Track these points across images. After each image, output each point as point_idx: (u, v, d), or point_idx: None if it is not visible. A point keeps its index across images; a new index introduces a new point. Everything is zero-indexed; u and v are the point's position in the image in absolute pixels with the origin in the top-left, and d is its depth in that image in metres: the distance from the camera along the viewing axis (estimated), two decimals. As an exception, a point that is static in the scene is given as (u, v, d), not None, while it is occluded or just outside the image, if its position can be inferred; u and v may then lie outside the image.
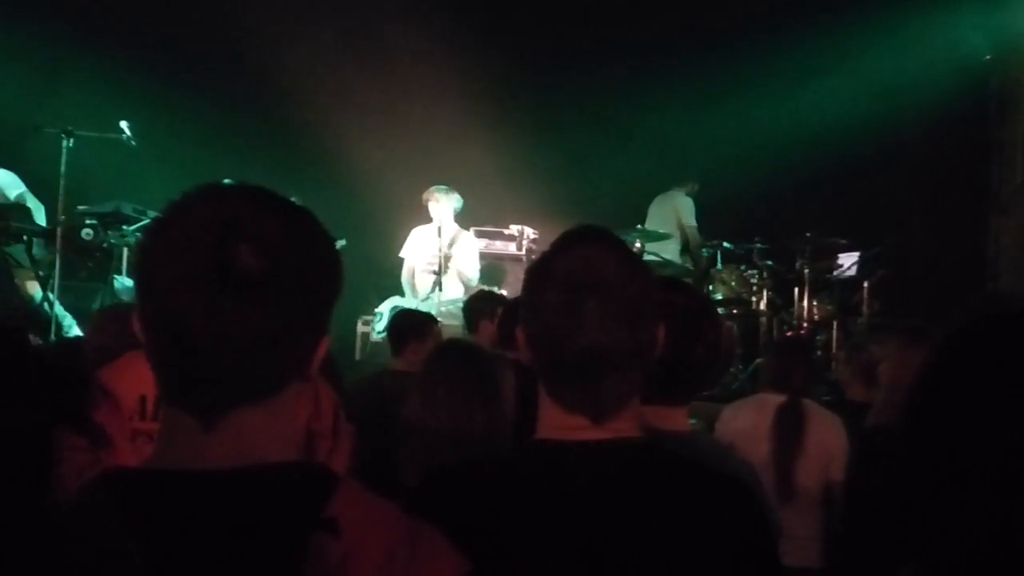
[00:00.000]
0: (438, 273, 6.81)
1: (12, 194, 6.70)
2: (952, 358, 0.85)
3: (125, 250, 6.59)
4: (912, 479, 0.85)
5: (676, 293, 1.83)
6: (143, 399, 2.14)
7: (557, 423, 1.37)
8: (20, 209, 6.56)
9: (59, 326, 6.40)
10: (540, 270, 1.38)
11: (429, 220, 7.08)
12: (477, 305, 4.87)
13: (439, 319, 6.58)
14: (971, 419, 0.78)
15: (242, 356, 0.99)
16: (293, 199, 1.06)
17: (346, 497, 1.02)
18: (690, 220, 7.95)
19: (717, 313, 2.10)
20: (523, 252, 7.90)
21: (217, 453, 1.01)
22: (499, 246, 7.93)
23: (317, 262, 1.05)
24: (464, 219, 7.37)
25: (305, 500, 1.01)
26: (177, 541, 0.97)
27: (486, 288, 6.22)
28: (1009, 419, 0.77)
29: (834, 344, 7.02)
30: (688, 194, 8.09)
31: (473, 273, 7.15)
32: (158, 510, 0.99)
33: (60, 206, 6.41)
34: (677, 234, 7.98)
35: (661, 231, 7.73)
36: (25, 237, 6.49)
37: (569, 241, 1.40)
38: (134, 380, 2.17)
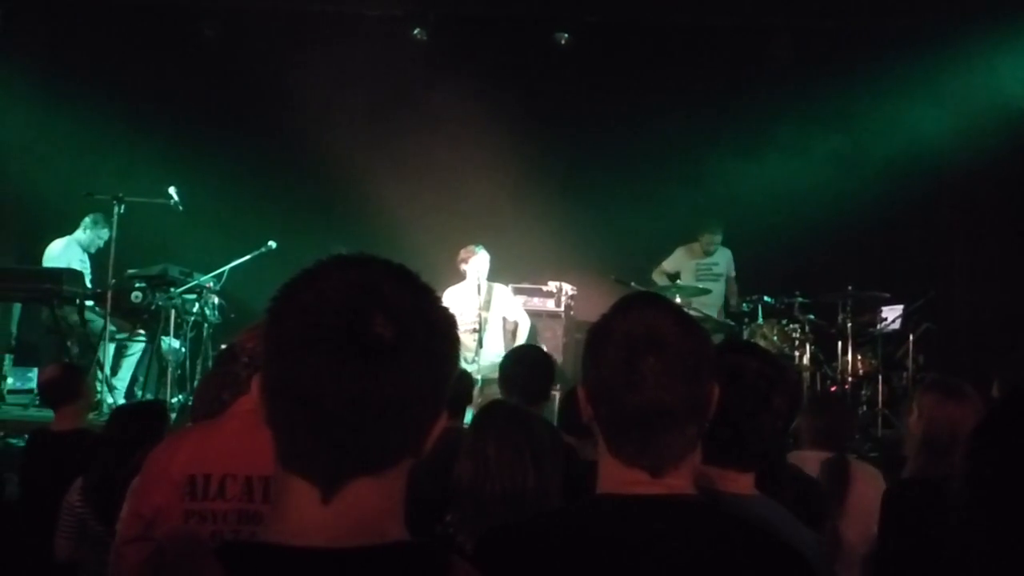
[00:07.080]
0: (478, 331, 6.76)
1: (77, 263, 7.03)
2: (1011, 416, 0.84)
3: (172, 312, 6.70)
4: (974, 529, 0.84)
5: (750, 357, 1.80)
6: (192, 479, 2.11)
7: (616, 477, 1.40)
8: (72, 274, 6.73)
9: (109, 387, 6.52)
10: (600, 330, 1.44)
11: (459, 281, 7.03)
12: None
13: (484, 377, 6.56)
14: None
15: (368, 424, 0.98)
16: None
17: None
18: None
19: (793, 380, 2.01)
20: (562, 308, 7.88)
21: (335, 529, 0.99)
22: (537, 303, 7.87)
23: (443, 336, 1.05)
24: (501, 276, 7.35)
25: None
26: None
27: None
28: None
29: (879, 399, 6.92)
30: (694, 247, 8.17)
31: (525, 319, 7.14)
32: None
33: (111, 270, 6.56)
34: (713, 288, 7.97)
35: (699, 286, 7.73)
36: (77, 300, 6.65)
37: (627, 304, 1.47)
38: (184, 459, 2.16)
